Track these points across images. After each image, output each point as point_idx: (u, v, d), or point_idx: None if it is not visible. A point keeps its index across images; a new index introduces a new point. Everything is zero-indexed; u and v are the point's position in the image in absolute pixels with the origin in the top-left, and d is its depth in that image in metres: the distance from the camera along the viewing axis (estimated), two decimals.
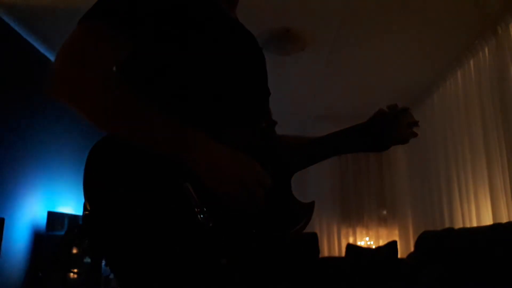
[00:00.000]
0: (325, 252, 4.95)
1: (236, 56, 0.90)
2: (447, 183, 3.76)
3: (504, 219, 2.76)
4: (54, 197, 3.30)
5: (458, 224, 3.47)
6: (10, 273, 2.77)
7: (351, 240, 5.08)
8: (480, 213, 3.19)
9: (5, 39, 2.86)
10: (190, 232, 0.70)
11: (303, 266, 3.80)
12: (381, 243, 4.88)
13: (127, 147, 0.73)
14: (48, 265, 2.97)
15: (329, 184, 5.09)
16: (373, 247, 4.86)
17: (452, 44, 3.25)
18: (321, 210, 4.92)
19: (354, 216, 5.19)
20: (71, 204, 3.46)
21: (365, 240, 5.08)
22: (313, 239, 4.32)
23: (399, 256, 3.96)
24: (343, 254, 4.57)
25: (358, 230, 5.15)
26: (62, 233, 3.14)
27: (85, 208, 0.74)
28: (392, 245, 3.92)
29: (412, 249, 3.89)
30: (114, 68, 0.76)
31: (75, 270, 3.11)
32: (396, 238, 4.64)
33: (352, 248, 4.30)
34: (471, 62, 3.29)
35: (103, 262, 3.14)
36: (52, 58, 3.35)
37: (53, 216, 3.06)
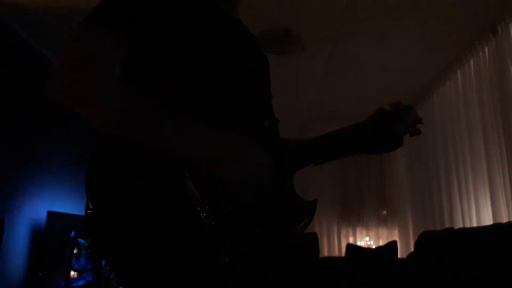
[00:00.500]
0: (325, 252, 4.95)
1: (237, 56, 0.91)
2: (447, 183, 3.76)
3: (504, 219, 2.76)
4: (54, 197, 3.30)
5: (458, 224, 3.47)
6: (10, 273, 2.77)
7: (351, 240, 5.08)
8: (480, 213, 3.18)
9: (5, 40, 2.85)
10: (192, 230, 0.71)
11: (303, 266, 3.80)
12: (381, 243, 4.87)
13: (129, 147, 0.73)
14: (48, 265, 2.97)
15: (329, 184, 5.09)
16: (373, 247, 4.85)
17: (452, 44, 3.25)
18: (321, 210, 4.92)
19: (354, 216, 5.19)
20: (71, 204, 3.46)
21: (365, 240, 5.08)
22: (313, 239, 4.32)
23: (399, 256, 3.96)
24: (343, 254, 4.57)
25: (358, 230, 5.15)
26: (62, 233, 3.13)
27: (87, 207, 0.74)
28: (392, 245, 3.92)
29: (412, 249, 3.89)
30: (116, 69, 0.77)
31: (75, 270, 3.11)
32: (396, 238, 4.64)
33: (352, 248, 4.30)
34: (471, 62, 3.29)
35: (103, 262, 3.14)
36: (52, 59, 3.34)
37: (53, 216, 3.06)
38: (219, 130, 0.75)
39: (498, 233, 2.40)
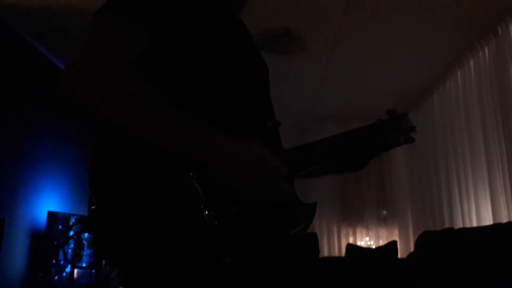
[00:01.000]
0: (325, 252, 4.95)
1: (242, 56, 0.92)
2: (447, 183, 3.76)
3: (504, 219, 2.76)
4: (54, 197, 3.30)
5: (458, 224, 3.47)
6: (10, 273, 2.77)
7: (351, 240, 5.08)
8: (480, 213, 3.18)
9: (5, 40, 2.85)
10: (195, 229, 0.71)
11: (303, 266, 3.80)
12: (381, 243, 4.87)
13: (133, 143, 0.73)
14: (48, 265, 2.97)
15: (329, 184, 5.09)
16: (373, 247, 4.85)
17: (452, 44, 3.25)
18: (321, 210, 4.92)
19: (354, 216, 5.19)
20: (71, 204, 3.46)
21: (365, 240, 5.08)
22: (313, 239, 4.32)
23: (399, 256, 3.96)
24: (343, 254, 4.57)
25: (358, 230, 5.15)
26: (62, 233, 3.13)
27: (90, 203, 0.74)
28: (392, 245, 3.92)
29: (412, 249, 3.89)
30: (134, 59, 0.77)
31: (76, 270, 3.11)
32: (396, 238, 4.63)
33: (352, 248, 4.30)
34: (471, 62, 3.29)
35: (103, 262, 3.14)
36: (53, 59, 3.34)
37: (53, 216, 3.06)
38: (227, 130, 0.76)
39: (498, 233, 2.40)
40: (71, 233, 3.14)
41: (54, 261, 3.00)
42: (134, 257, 0.70)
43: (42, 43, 3.17)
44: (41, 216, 3.06)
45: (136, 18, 0.76)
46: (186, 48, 0.83)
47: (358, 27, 3.04)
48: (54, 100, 3.24)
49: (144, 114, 0.72)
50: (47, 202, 3.19)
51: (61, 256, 3.07)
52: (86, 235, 3.17)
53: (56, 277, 3.00)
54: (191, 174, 0.72)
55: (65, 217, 3.19)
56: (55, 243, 3.05)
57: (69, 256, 3.09)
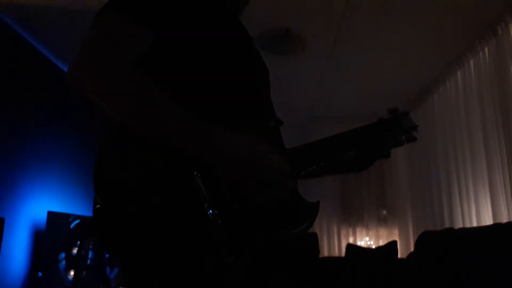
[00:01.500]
0: (325, 252, 4.95)
1: (244, 56, 0.92)
2: (447, 183, 3.76)
3: (504, 219, 2.76)
4: (54, 197, 3.30)
5: (458, 224, 3.47)
6: (10, 273, 2.78)
7: (351, 240, 5.08)
8: (480, 213, 3.18)
9: (5, 40, 2.85)
10: (199, 228, 0.71)
11: (303, 266, 3.80)
12: (381, 243, 4.87)
13: (137, 142, 0.73)
14: (48, 265, 2.97)
15: (329, 184, 5.08)
16: (373, 247, 4.85)
17: (452, 44, 3.25)
18: (321, 210, 4.81)
19: (354, 216, 5.18)
20: (71, 204, 3.46)
21: (365, 240, 5.08)
22: (313, 239, 4.32)
23: (399, 256, 3.96)
24: (343, 254, 4.57)
25: (358, 230, 5.15)
26: (62, 233, 3.13)
27: (95, 202, 0.74)
28: (392, 245, 3.92)
29: (412, 249, 3.89)
30: (136, 59, 0.77)
31: (76, 270, 3.11)
32: (396, 238, 4.63)
33: (352, 248, 4.30)
34: (471, 62, 3.29)
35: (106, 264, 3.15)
36: (53, 59, 3.34)
37: (53, 216, 3.06)
38: (233, 131, 0.76)
39: (498, 233, 2.40)
40: (74, 234, 3.14)
41: (54, 261, 3.00)
42: (138, 256, 0.71)
43: (42, 43, 3.17)
44: (41, 216, 3.06)
45: (137, 19, 0.76)
46: (187, 48, 0.83)
47: (358, 27, 3.04)
48: (54, 100, 3.24)
49: (146, 114, 0.72)
50: (47, 202, 3.19)
51: (61, 256, 3.07)
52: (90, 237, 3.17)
53: (56, 277, 3.00)
54: (194, 173, 0.73)
55: (65, 217, 3.19)
56: (56, 243, 3.05)
57: (72, 257, 3.09)
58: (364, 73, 3.83)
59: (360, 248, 4.50)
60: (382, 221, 5.17)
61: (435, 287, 2.70)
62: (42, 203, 3.13)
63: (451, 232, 3.02)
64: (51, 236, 3.02)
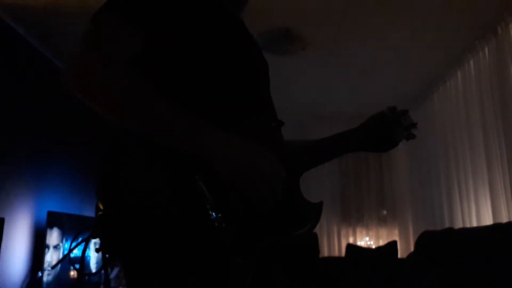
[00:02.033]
0: (325, 252, 4.95)
1: (245, 56, 0.92)
2: (447, 183, 3.76)
3: (504, 219, 2.76)
4: (54, 197, 3.30)
5: (458, 224, 3.47)
6: (10, 273, 2.77)
7: (351, 240, 5.08)
8: (480, 213, 3.18)
9: (5, 40, 2.85)
10: (203, 231, 0.71)
11: (304, 266, 3.80)
12: (381, 243, 4.87)
13: (138, 146, 0.73)
14: (48, 265, 2.97)
15: (329, 184, 5.09)
16: (373, 247, 4.86)
17: (452, 44, 3.25)
18: None
19: (354, 216, 5.18)
20: (71, 204, 3.46)
21: (365, 240, 5.08)
22: (313, 239, 4.32)
23: (399, 256, 3.96)
24: (343, 254, 4.57)
25: (358, 230, 5.15)
26: (63, 233, 3.13)
27: (97, 209, 0.73)
28: (392, 245, 3.93)
29: (412, 249, 3.89)
30: (131, 61, 0.77)
31: (76, 270, 3.11)
32: (396, 238, 4.64)
33: (352, 248, 4.30)
34: (471, 62, 3.29)
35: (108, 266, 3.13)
36: (53, 59, 3.34)
37: (53, 216, 3.06)
38: (234, 131, 0.76)
39: (498, 233, 2.40)
40: (79, 239, 3.13)
41: (54, 261, 3.00)
42: (143, 259, 0.70)
43: (42, 43, 3.17)
44: (41, 216, 3.06)
45: (135, 20, 0.76)
46: (187, 49, 0.83)
47: (358, 27, 3.04)
48: (54, 100, 3.23)
49: (144, 115, 0.72)
50: (47, 202, 3.19)
51: (61, 256, 3.06)
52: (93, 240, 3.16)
53: (56, 278, 3.00)
54: (197, 176, 0.72)
55: (65, 217, 3.19)
56: (56, 243, 3.05)
57: (72, 257, 3.09)
58: (364, 73, 3.83)
59: (360, 248, 4.50)
60: (382, 221, 5.18)
61: (435, 287, 2.70)
62: (42, 203, 3.12)
63: (451, 232, 3.02)
64: (51, 236, 3.02)
